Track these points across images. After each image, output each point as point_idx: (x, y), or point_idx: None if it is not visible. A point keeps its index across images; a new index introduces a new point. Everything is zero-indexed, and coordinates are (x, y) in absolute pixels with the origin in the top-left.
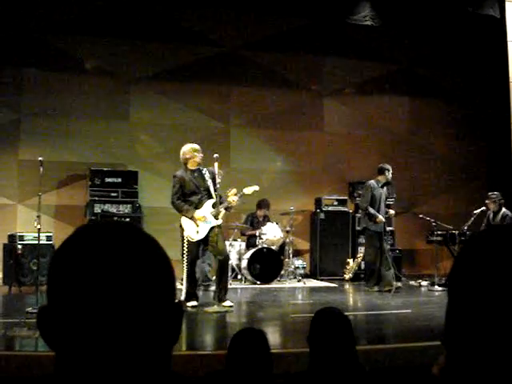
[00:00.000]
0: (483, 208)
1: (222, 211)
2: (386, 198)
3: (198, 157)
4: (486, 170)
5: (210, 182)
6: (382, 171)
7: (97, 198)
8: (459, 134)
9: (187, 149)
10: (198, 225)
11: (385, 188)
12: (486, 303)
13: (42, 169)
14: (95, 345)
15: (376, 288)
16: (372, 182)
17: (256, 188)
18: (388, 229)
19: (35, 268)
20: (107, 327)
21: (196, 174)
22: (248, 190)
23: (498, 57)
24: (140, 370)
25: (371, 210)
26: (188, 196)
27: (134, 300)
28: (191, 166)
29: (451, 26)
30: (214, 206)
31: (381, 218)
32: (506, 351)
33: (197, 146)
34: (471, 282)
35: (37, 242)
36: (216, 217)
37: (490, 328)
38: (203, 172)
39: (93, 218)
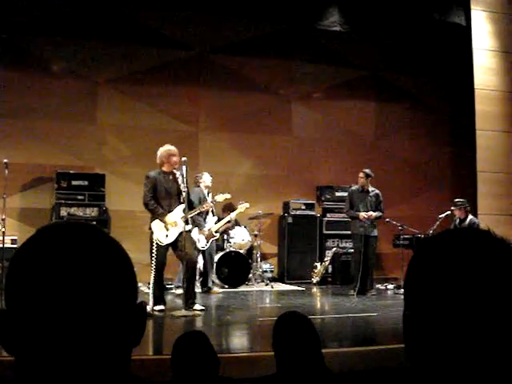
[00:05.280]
0: (448, 212)
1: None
2: (371, 202)
3: (173, 160)
4: (452, 175)
5: (182, 187)
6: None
7: (63, 201)
8: (424, 138)
9: (163, 151)
10: (168, 229)
11: (373, 193)
12: (439, 305)
13: (6, 171)
14: (54, 348)
15: (351, 291)
16: (352, 187)
17: (227, 196)
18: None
19: None
20: (66, 330)
21: (170, 177)
22: (220, 198)
23: (464, 63)
24: (99, 372)
25: (349, 213)
26: (159, 199)
27: (93, 302)
28: (166, 168)
29: (418, 32)
30: (184, 210)
31: (362, 214)
32: (462, 352)
33: (173, 149)
34: (425, 285)
35: (1, 245)
36: (186, 222)
37: (446, 331)
38: (177, 175)
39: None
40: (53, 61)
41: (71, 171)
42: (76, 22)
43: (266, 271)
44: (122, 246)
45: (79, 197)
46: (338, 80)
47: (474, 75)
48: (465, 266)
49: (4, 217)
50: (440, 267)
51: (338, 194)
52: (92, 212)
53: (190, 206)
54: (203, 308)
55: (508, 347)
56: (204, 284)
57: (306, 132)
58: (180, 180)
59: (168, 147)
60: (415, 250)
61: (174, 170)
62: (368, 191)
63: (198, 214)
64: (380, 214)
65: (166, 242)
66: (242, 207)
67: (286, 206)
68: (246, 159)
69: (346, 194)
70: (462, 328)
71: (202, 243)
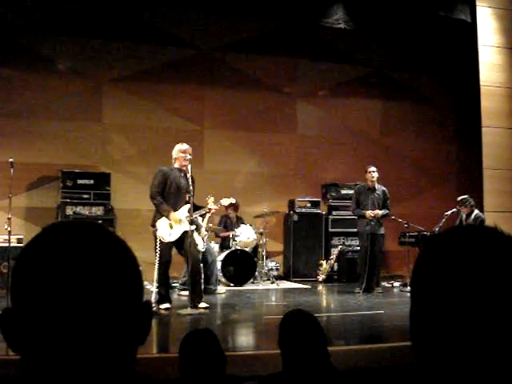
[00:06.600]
0: (454, 209)
1: (199, 218)
2: (378, 200)
3: (183, 157)
4: (457, 172)
5: (191, 187)
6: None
7: (68, 200)
8: (430, 135)
9: (175, 148)
10: (172, 227)
11: (380, 190)
12: (447, 303)
13: (12, 170)
14: (60, 346)
15: (357, 289)
16: (359, 185)
17: (232, 200)
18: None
19: (5, 271)
20: (72, 328)
21: (182, 175)
22: (225, 202)
23: (469, 60)
24: (105, 371)
25: (356, 212)
26: (168, 194)
27: (99, 300)
28: (178, 165)
29: (423, 29)
30: (189, 211)
31: (368, 213)
32: (470, 349)
33: (184, 147)
34: (432, 282)
35: (7, 244)
36: (190, 222)
37: (453, 328)
38: (188, 175)
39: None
40: (57, 60)
41: (76, 170)
42: (80, 21)
43: (271, 269)
44: (128, 244)
45: (85, 196)
46: (343, 78)
47: (479, 72)
48: (472, 264)
49: (10, 216)
50: (447, 265)
51: (343, 191)
52: (97, 211)
53: (195, 206)
54: (208, 306)
55: None
56: (207, 284)
57: (311, 130)
58: (190, 181)
59: (180, 145)
60: (421, 247)
61: (184, 168)
62: (375, 188)
63: (201, 216)
64: (387, 211)
65: (168, 239)
66: (226, 202)
67: (292, 203)
68: (251, 157)
69: (351, 191)
70: (469, 326)
71: (200, 245)
